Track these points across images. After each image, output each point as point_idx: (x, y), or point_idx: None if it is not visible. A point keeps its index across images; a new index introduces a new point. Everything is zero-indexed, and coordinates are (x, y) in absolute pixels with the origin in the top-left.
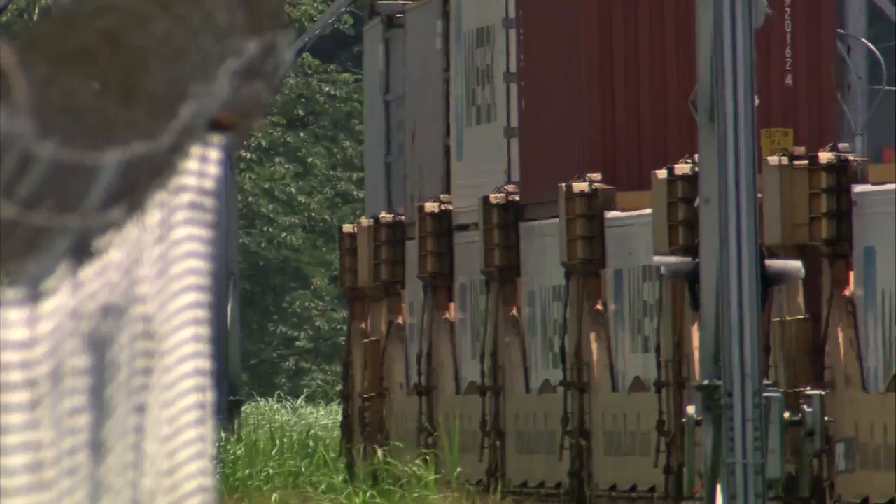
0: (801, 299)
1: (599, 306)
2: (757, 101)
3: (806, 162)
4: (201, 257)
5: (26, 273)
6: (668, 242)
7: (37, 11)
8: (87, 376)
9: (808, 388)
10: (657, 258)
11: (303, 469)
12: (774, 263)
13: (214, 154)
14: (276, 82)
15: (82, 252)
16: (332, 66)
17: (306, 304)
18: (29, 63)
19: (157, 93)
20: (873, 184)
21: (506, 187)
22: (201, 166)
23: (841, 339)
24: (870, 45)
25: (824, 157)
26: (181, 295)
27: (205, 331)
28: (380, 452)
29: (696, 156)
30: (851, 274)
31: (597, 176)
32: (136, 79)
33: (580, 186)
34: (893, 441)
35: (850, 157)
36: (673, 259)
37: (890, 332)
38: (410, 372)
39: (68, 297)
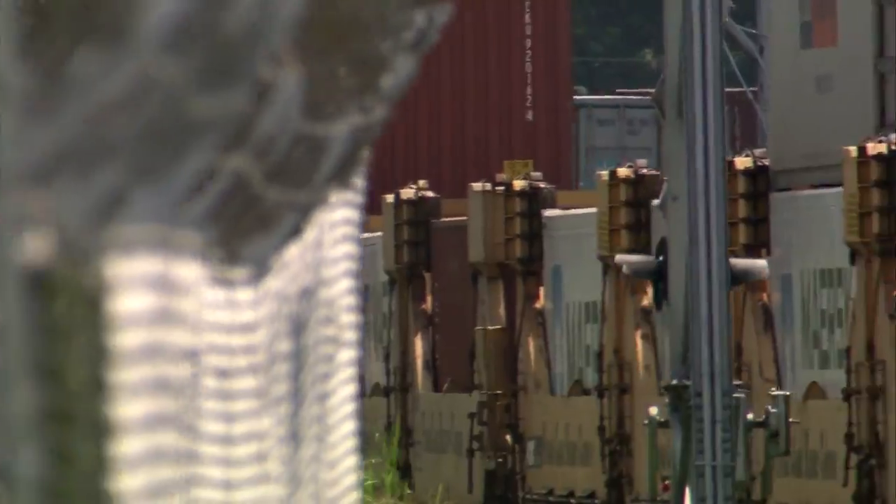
0: (501, 310)
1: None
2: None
3: (503, 188)
4: (354, 241)
5: (253, 252)
6: (395, 260)
7: None
8: (289, 362)
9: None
10: (619, 257)
11: None
12: (739, 262)
13: None
14: (422, 57)
15: (293, 230)
16: None
17: None
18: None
19: (370, 63)
20: (562, 208)
21: None
22: None
23: (532, 348)
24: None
25: (518, 185)
26: (340, 280)
27: (357, 319)
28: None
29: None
30: (542, 289)
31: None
32: (353, 47)
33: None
34: (576, 439)
35: (542, 185)
36: (635, 258)
37: (574, 341)
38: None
39: (277, 278)
